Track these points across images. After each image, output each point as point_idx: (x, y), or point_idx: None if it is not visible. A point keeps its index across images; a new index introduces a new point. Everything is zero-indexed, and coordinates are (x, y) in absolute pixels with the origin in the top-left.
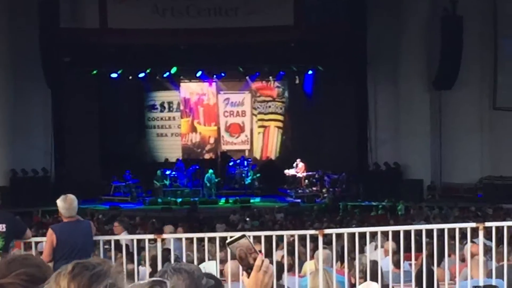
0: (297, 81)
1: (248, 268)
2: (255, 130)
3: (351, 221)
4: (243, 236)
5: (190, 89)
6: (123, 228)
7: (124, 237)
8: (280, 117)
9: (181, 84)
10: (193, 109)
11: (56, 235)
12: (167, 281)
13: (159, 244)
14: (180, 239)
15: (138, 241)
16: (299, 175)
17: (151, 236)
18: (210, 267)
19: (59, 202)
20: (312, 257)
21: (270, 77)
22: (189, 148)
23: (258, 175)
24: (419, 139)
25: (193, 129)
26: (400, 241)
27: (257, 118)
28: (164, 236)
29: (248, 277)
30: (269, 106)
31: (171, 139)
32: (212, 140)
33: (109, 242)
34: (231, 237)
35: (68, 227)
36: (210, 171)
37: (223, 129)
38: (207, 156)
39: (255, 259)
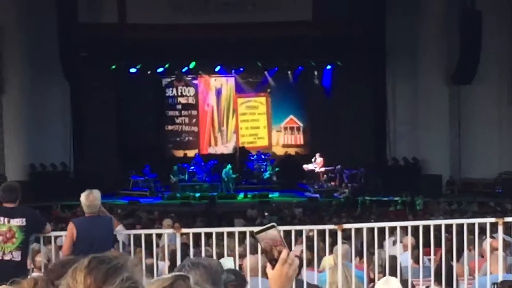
0: (315, 76)
1: (272, 260)
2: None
3: (369, 216)
4: (273, 226)
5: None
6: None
7: (144, 231)
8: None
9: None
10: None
11: (77, 229)
12: (190, 276)
13: (178, 238)
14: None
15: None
16: (317, 170)
17: (170, 231)
18: (226, 263)
19: (82, 197)
20: (331, 252)
21: (289, 72)
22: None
23: (276, 169)
24: (437, 134)
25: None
26: (419, 236)
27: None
28: (184, 230)
29: (273, 269)
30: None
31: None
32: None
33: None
34: (260, 227)
35: (89, 222)
36: (228, 166)
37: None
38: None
39: (280, 252)
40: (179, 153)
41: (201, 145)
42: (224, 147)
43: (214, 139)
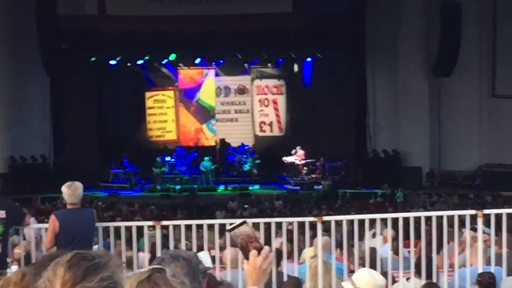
0: (295, 68)
1: (248, 256)
2: None
3: (349, 208)
4: (244, 222)
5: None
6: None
7: (124, 224)
8: None
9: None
10: None
11: (59, 221)
12: (166, 269)
13: (158, 230)
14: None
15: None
16: (297, 162)
17: (150, 223)
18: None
19: (64, 188)
20: (311, 244)
21: (269, 64)
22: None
23: (257, 162)
24: (417, 126)
25: None
26: (399, 228)
27: None
28: (164, 223)
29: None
30: None
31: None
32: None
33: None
34: (231, 224)
35: (71, 214)
36: (206, 158)
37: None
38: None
39: (255, 247)
40: (159, 145)
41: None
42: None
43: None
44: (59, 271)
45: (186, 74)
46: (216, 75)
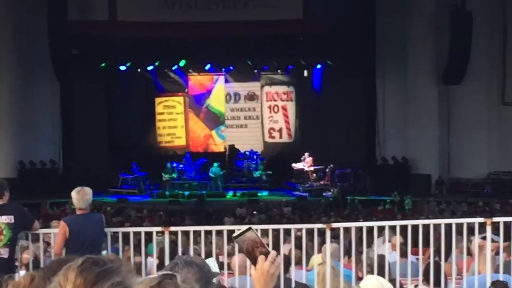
0: (305, 75)
1: (255, 261)
2: None
3: (358, 215)
4: (249, 228)
5: None
6: None
7: (133, 229)
8: None
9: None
10: None
11: (69, 227)
12: (177, 274)
13: (166, 236)
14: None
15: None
16: (306, 169)
17: (159, 229)
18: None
19: (73, 193)
20: (319, 251)
21: (279, 71)
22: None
23: (269, 172)
24: (427, 134)
25: None
26: (407, 235)
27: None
28: (172, 228)
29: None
30: None
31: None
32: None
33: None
34: (238, 230)
35: (81, 219)
36: (215, 164)
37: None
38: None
39: (261, 252)
40: (169, 151)
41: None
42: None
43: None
44: (70, 275)
45: (196, 80)
46: (226, 81)
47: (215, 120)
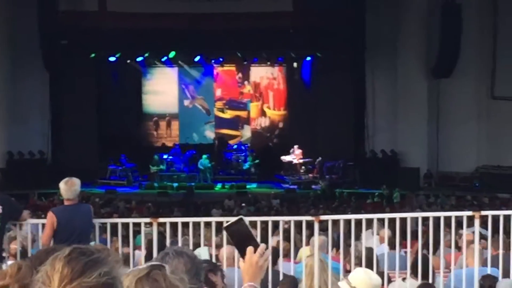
0: (295, 67)
1: (244, 254)
2: None
3: (347, 208)
4: (241, 219)
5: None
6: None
7: (121, 220)
8: None
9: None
10: (263, 93)
11: (57, 218)
12: (165, 265)
13: (155, 227)
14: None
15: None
16: (295, 161)
17: (147, 220)
18: (201, 252)
19: (61, 184)
20: (307, 243)
21: (268, 62)
22: (259, 132)
23: (257, 161)
24: (416, 127)
25: (263, 113)
26: (396, 228)
27: None
28: (161, 220)
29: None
30: None
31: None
32: (281, 125)
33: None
34: (227, 221)
35: (69, 210)
36: (204, 156)
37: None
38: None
39: (251, 245)
40: (157, 143)
41: (252, 135)
42: (274, 137)
43: (265, 129)
44: (57, 265)
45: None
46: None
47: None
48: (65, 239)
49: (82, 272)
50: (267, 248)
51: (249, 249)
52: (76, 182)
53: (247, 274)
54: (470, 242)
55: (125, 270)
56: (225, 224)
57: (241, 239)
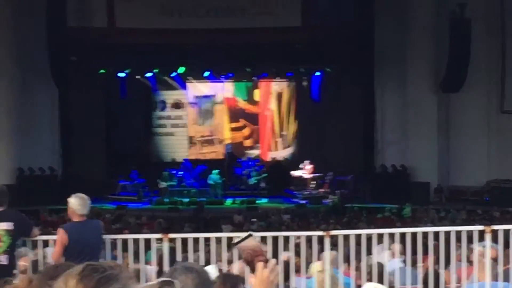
0: (304, 83)
1: (255, 269)
2: None
3: (357, 223)
4: (250, 235)
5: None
6: None
7: (132, 236)
8: None
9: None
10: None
11: (68, 234)
12: (175, 281)
13: (165, 243)
14: None
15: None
16: (305, 176)
17: (158, 236)
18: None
19: (73, 199)
20: (318, 259)
21: (278, 78)
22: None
23: (264, 175)
24: (426, 142)
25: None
26: (406, 243)
27: None
28: (171, 235)
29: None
30: None
31: (179, 138)
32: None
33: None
34: (238, 237)
35: (79, 226)
36: (214, 171)
37: None
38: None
39: (261, 261)
40: (167, 158)
41: (261, 150)
42: (285, 151)
43: (275, 144)
44: (70, 282)
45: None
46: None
47: None
48: (76, 255)
49: None
50: (277, 263)
51: (259, 264)
52: (86, 197)
53: None
54: (481, 257)
55: (136, 286)
56: (234, 240)
57: (251, 255)
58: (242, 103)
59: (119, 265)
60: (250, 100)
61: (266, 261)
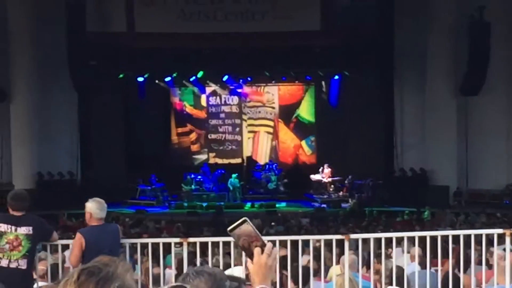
0: (323, 86)
1: (252, 256)
2: (245, 135)
3: (377, 227)
4: (245, 221)
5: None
6: None
7: (151, 240)
8: (270, 123)
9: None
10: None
11: (85, 238)
12: (186, 285)
13: (185, 247)
14: None
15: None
16: (324, 180)
17: (177, 240)
18: (235, 272)
19: (92, 204)
20: (338, 262)
21: (296, 81)
22: None
23: (285, 181)
24: (445, 145)
25: None
26: (426, 247)
27: (247, 123)
28: (191, 239)
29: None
30: (259, 112)
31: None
32: None
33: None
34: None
35: (97, 230)
36: (234, 175)
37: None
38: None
39: (258, 247)
40: (186, 162)
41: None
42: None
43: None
44: None
45: (286, 91)
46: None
47: (305, 130)
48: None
49: None
50: (274, 247)
51: (257, 250)
52: (103, 201)
53: (257, 276)
54: (501, 260)
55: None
56: (229, 228)
57: (247, 241)
58: (189, 108)
59: (114, 259)
60: (197, 105)
61: (263, 246)
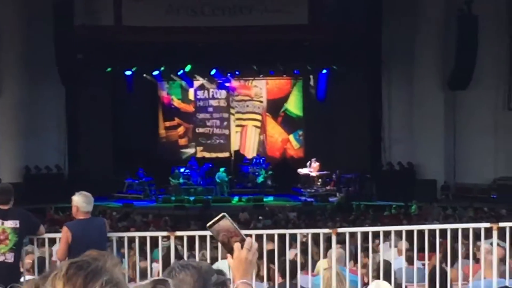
0: (311, 81)
1: (231, 251)
2: (233, 129)
3: (364, 221)
4: (223, 216)
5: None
6: None
7: (138, 234)
8: (258, 117)
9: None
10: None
11: (72, 232)
12: (169, 280)
13: (172, 241)
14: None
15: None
16: (312, 174)
17: (165, 233)
18: (223, 265)
19: (78, 197)
20: (325, 256)
21: (284, 75)
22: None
23: (270, 173)
24: (433, 139)
25: None
26: (413, 241)
27: (235, 117)
28: (178, 233)
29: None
30: (247, 106)
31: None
32: None
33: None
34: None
35: (83, 224)
36: (221, 169)
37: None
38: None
39: (237, 242)
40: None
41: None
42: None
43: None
44: (58, 285)
45: (274, 85)
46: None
47: (292, 125)
48: (81, 253)
49: (84, 286)
50: (253, 241)
51: (236, 245)
52: (89, 195)
53: (237, 271)
54: (488, 254)
55: (131, 285)
56: (208, 223)
57: (226, 236)
58: (177, 102)
59: (103, 253)
60: (185, 99)
61: (242, 241)
